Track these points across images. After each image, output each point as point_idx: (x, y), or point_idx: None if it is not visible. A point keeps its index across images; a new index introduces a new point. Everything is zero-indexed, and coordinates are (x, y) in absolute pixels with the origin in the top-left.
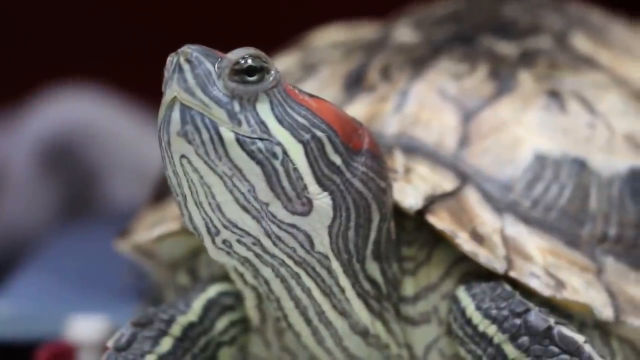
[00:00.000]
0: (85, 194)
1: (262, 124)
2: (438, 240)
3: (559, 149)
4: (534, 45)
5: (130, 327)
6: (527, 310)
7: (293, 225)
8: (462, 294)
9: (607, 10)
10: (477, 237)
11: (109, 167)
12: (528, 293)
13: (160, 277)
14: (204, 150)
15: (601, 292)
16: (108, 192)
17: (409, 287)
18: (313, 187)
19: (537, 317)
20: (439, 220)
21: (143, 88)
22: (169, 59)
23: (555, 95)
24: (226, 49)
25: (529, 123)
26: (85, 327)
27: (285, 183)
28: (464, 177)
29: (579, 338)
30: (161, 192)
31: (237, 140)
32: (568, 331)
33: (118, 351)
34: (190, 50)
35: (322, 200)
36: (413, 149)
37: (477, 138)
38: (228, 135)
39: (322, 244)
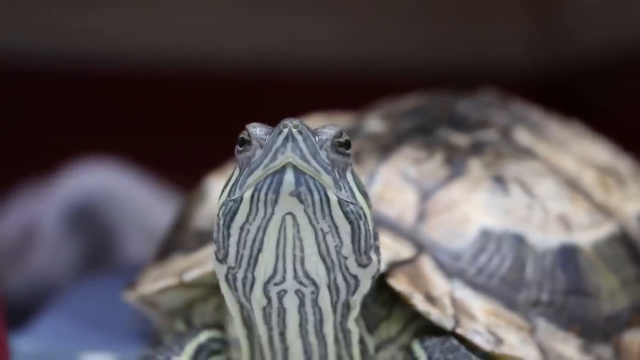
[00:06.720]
0: (104, 250)
1: (351, 190)
2: (397, 299)
3: (501, 226)
4: (483, 137)
5: None
6: None
7: (355, 276)
8: (417, 346)
9: (545, 108)
10: (430, 299)
11: (124, 228)
12: (472, 347)
13: (160, 324)
14: (312, 209)
15: (534, 348)
16: (122, 249)
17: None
18: (373, 246)
19: None
20: (399, 283)
21: (153, 161)
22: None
23: (499, 180)
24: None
25: (477, 203)
26: None
27: (362, 240)
28: (420, 247)
29: None
30: (164, 250)
31: (339, 202)
32: None
33: None
34: (299, 123)
35: (375, 256)
36: (378, 222)
37: (432, 214)
38: (333, 198)
39: (363, 291)
